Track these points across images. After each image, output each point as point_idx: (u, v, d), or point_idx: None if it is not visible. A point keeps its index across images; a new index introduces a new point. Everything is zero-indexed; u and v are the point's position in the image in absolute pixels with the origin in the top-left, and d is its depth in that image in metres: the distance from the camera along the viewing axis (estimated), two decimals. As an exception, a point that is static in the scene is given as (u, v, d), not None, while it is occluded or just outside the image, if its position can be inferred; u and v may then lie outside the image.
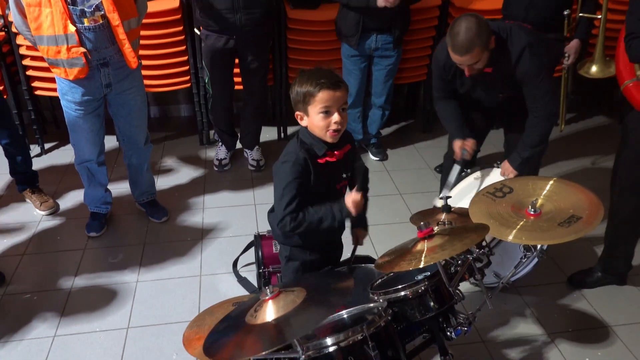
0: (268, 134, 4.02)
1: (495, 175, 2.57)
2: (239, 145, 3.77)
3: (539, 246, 2.25)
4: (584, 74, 3.17)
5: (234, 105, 3.63)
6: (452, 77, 2.59)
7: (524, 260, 1.77)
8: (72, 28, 2.34)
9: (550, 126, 2.48)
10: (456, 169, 2.65)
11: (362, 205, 1.80)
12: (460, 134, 2.64)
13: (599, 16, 2.97)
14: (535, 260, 2.30)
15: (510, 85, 2.48)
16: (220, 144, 3.70)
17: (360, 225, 2.06)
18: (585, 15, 3.01)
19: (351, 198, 1.75)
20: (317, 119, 1.71)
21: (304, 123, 1.77)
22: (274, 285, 1.32)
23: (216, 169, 3.63)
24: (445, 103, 2.70)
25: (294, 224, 1.75)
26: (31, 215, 3.12)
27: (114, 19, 2.39)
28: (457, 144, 2.62)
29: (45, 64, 2.57)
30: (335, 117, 1.71)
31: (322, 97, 1.68)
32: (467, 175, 2.65)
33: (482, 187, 2.22)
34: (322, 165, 1.79)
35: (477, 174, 2.64)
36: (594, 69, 3.12)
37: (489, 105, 2.70)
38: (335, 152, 1.79)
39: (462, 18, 2.26)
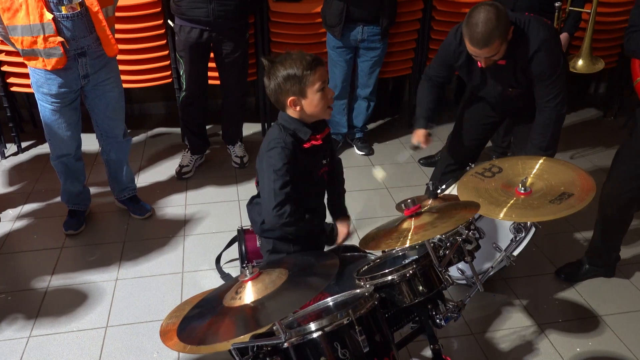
0: (252, 130, 3.96)
1: None
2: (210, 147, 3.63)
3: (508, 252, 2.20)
4: (570, 68, 3.13)
5: (207, 104, 3.43)
6: (460, 66, 2.46)
7: (514, 243, 1.72)
8: (48, 16, 2.26)
9: (560, 128, 2.39)
10: None
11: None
12: (422, 124, 2.51)
13: (589, 10, 2.94)
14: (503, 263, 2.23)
15: (522, 80, 2.36)
16: (187, 150, 3.46)
17: (342, 215, 2.02)
18: (575, 9, 2.99)
19: (345, 231, 1.92)
20: (316, 98, 1.69)
21: (297, 109, 1.71)
22: (254, 265, 1.25)
23: (175, 176, 3.38)
24: (429, 86, 2.60)
25: (291, 218, 1.71)
26: (5, 214, 3.01)
27: (93, 5, 2.34)
28: (419, 133, 2.48)
29: (21, 59, 2.49)
30: (329, 91, 1.72)
31: (321, 73, 1.68)
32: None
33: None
34: (306, 151, 1.74)
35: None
36: (580, 63, 3.08)
37: (496, 101, 2.57)
38: (318, 135, 1.76)
39: (481, 7, 2.10)
